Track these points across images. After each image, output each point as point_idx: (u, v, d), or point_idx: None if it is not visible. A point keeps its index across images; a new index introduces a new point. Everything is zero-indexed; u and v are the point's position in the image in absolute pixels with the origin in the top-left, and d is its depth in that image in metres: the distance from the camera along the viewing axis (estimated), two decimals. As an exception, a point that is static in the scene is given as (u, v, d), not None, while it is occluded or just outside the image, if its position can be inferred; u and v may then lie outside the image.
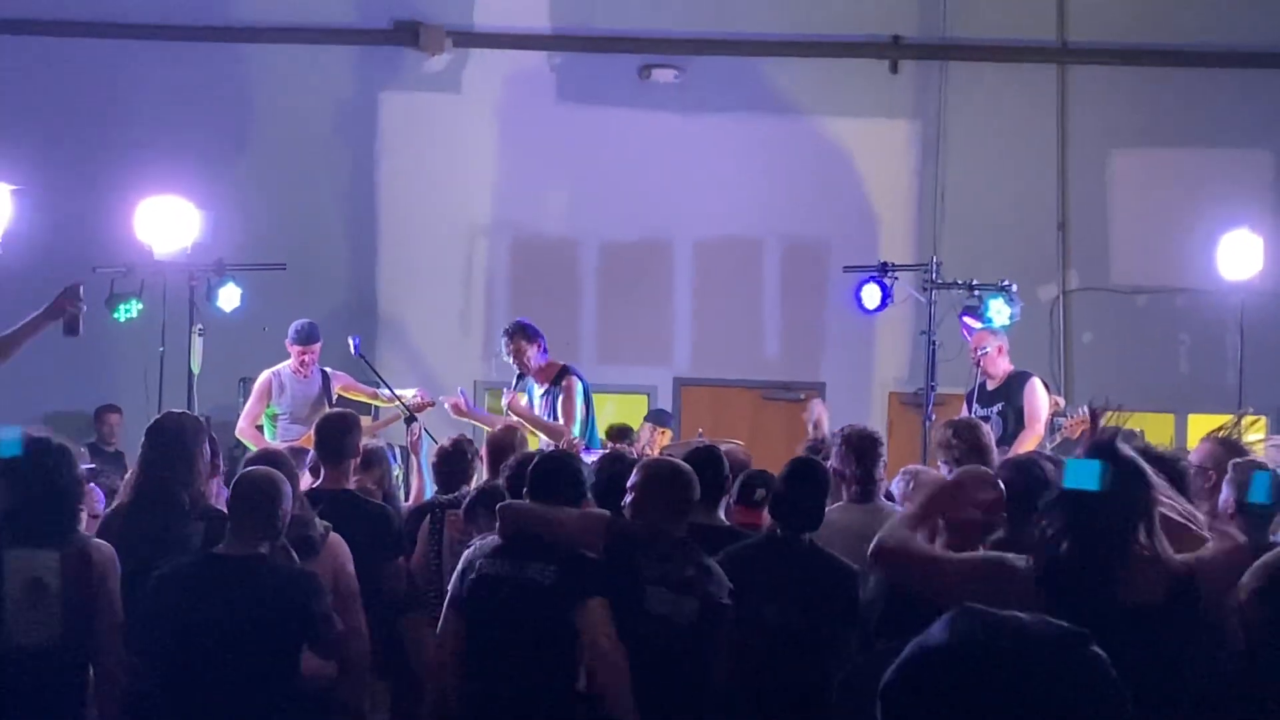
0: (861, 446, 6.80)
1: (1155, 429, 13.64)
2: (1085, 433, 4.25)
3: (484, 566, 5.65)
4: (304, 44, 14.22)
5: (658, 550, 5.62)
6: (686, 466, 5.89)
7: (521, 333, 10.86)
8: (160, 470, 6.26)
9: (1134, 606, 4.01)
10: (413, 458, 9.44)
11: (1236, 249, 12.25)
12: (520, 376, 10.85)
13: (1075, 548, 4.08)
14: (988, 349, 10.47)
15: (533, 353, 10.75)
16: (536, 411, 10.65)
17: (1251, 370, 12.19)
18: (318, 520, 6.40)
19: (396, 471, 9.08)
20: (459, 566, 5.87)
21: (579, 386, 10.75)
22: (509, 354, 10.80)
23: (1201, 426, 13.44)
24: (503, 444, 7.92)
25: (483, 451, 8.08)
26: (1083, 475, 4.04)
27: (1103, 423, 4.21)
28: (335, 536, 6.41)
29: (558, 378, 10.77)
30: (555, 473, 5.91)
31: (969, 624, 2.44)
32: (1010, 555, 4.18)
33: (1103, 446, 4.15)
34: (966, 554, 4.35)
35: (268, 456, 6.70)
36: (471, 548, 5.98)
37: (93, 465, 8.53)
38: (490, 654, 5.63)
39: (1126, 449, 4.19)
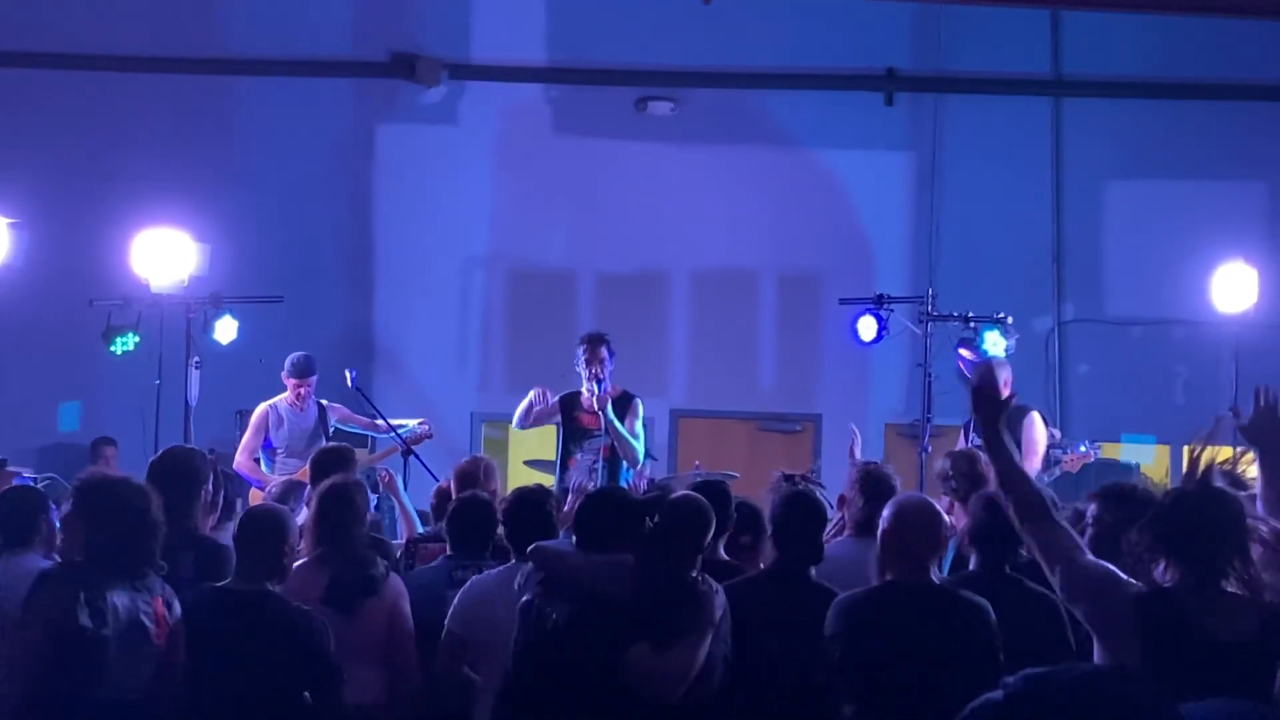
0: (876, 490, 6.84)
1: (1152, 460, 13.67)
2: (1188, 468, 4.33)
3: (531, 590, 5.56)
4: (301, 77, 14.25)
5: (679, 595, 5.49)
6: (707, 504, 5.79)
7: (608, 344, 10.49)
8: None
9: (1228, 642, 4.05)
10: (394, 500, 9.04)
11: (1231, 281, 12.28)
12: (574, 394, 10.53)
13: (1175, 582, 4.14)
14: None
15: (610, 369, 10.43)
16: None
17: (1246, 402, 12.17)
18: (380, 560, 6.39)
19: (374, 499, 8.97)
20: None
21: (642, 411, 10.60)
22: (590, 361, 10.34)
23: (1197, 458, 13.48)
24: (470, 474, 7.87)
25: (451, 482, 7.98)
26: None
27: (1202, 450, 4.28)
28: (394, 577, 6.41)
29: (624, 400, 10.49)
30: (602, 517, 5.67)
31: (1022, 683, 2.52)
32: (1126, 577, 4.20)
33: (1201, 475, 4.24)
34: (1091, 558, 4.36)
35: (346, 487, 6.60)
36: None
37: None
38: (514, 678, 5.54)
39: (1221, 480, 4.26)
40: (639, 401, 10.59)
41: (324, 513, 6.38)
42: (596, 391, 10.32)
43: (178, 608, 5.50)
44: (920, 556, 5.43)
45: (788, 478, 7.13)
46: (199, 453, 6.62)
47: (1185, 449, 4.37)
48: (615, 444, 10.27)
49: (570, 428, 10.55)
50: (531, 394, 10.60)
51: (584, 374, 10.39)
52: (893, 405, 14.06)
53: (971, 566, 5.96)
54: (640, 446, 10.41)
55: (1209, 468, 4.24)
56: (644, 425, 10.62)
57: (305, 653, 5.58)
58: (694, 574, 5.59)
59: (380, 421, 10.86)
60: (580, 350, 10.45)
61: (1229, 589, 4.14)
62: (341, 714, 5.70)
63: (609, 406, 10.25)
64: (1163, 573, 4.17)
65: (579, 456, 10.32)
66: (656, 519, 5.65)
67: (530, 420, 10.68)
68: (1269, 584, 4.22)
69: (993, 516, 5.81)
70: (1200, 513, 4.18)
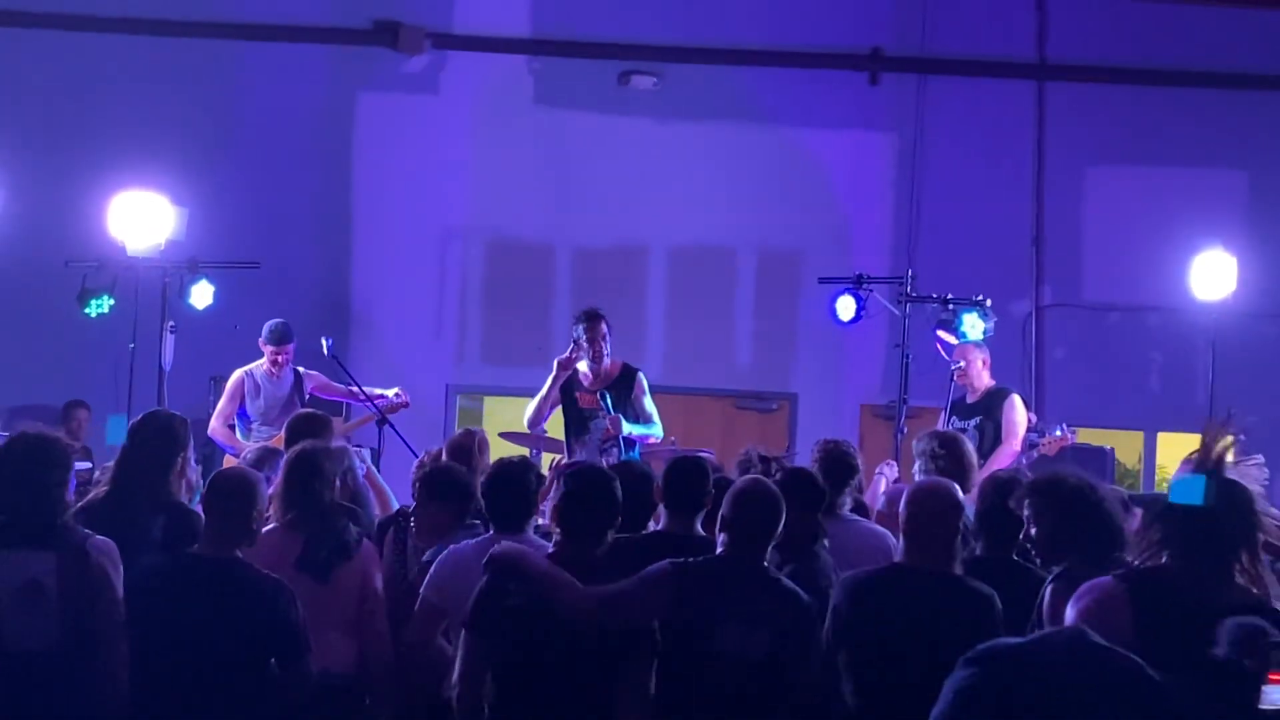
0: (834, 467, 6.81)
1: (1125, 446, 13.70)
2: (1195, 453, 4.20)
3: (517, 593, 5.31)
4: (282, 42, 14.14)
5: (736, 582, 5.32)
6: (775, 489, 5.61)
7: (606, 320, 10.15)
8: (139, 467, 6.24)
9: (1219, 613, 3.93)
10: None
11: (1209, 268, 12.27)
12: (558, 374, 10.13)
13: (1175, 561, 4.06)
14: (961, 363, 10.48)
15: (609, 345, 10.14)
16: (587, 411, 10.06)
17: (1222, 390, 12.23)
18: (353, 526, 6.39)
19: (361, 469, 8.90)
20: (480, 588, 5.45)
21: (647, 383, 10.26)
22: (590, 340, 10.03)
23: (1171, 444, 13.52)
24: (463, 447, 7.82)
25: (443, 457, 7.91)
26: (1188, 491, 4.03)
27: (1214, 439, 4.16)
28: (367, 543, 6.42)
29: (627, 376, 10.19)
30: (588, 500, 5.48)
31: (1061, 636, 2.51)
32: (1101, 580, 4.10)
33: (1211, 469, 4.12)
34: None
35: (314, 452, 6.55)
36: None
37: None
38: (522, 684, 5.34)
39: (1232, 471, 4.17)
40: (643, 376, 10.28)
41: (292, 478, 6.36)
42: (588, 370, 10.05)
43: (106, 556, 5.48)
44: (933, 543, 5.40)
45: (764, 459, 7.09)
46: (179, 418, 6.58)
47: (1201, 435, 4.22)
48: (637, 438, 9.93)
49: (571, 411, 10.22)
50: (545, 387, 10.15)
51: (584, 353, 10.10)
52: (869, 386, 14.07)
53: (978, 551, 5.92)
54: (658, 427, 10.13)
55: (1221, 457, 4.14)
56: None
57: (273, 621, 5.55)
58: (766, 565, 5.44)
59: (356, 390, 10.82)
60: (580, 328, 10.13)
61: (1240, 577, 4.06)
62: (308, 684, 5.68)
63: (622, 424, 9.85)
64: (1168, 562, 4.09)
65: (586, 439, 10.00)
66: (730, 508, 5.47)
67: (545, 418, 10.30)
68: (1271, 581, 4.13)
69: (1002, 501, 5.77)
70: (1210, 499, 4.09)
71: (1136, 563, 4.17)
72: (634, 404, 10.14)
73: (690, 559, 5.41)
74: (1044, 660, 2.56)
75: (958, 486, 5.85)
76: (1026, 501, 5.27)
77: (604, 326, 10.15)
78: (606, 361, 10.15)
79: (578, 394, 10.18)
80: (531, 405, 10.30)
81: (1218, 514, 4.07)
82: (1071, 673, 2.56)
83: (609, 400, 9.99)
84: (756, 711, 5.27)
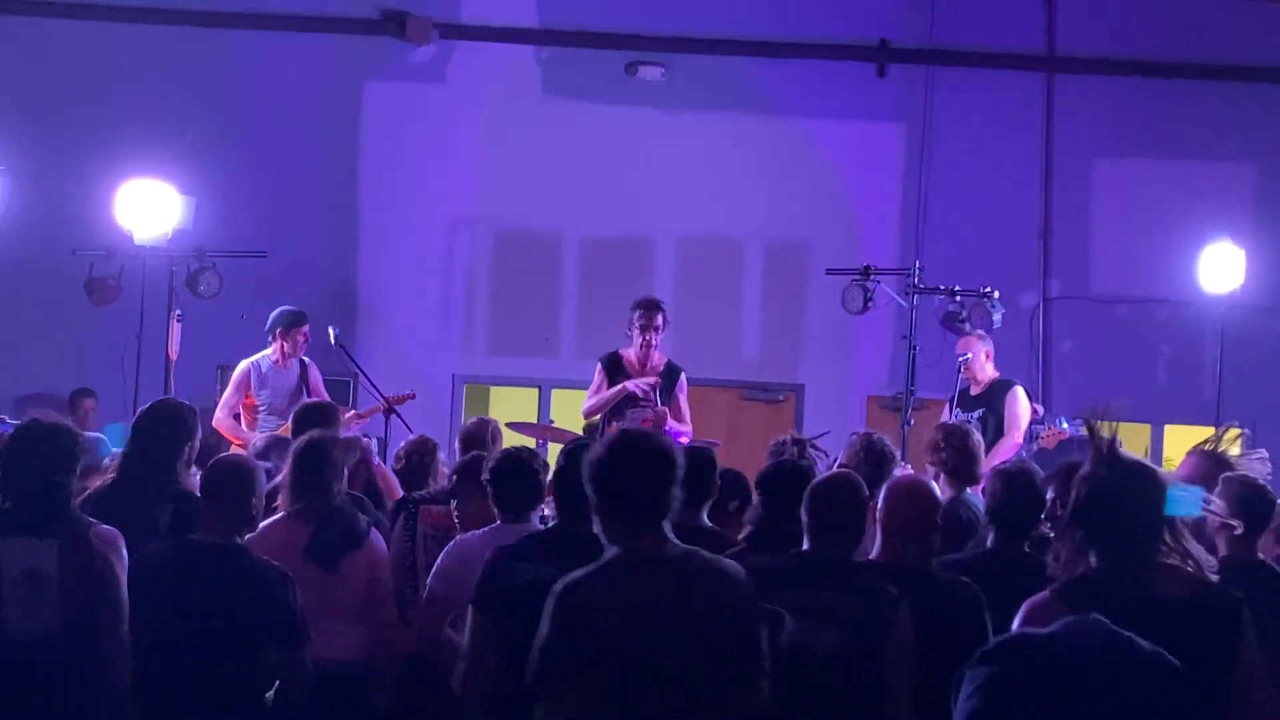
0: (878, 462, 6.82)
1: (1132, 439, 13.67)
2: (1088, 441, 4.13)
3: (536, 571, 5.18)
4: (290, 31, 14.14)
5: (802, 576, 5.14)
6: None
7: (664, 313, 10.17)
8: (145, 455, 6.25)
9: (1166, 600, 3.93)
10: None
11: (1218, 261, 12.27)
12: (609, 366, 10.18)
13: (1102, 561, 4.01)
14: (967, 355, 10.48)
15: (660, 338, 10.14)
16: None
17: (1229, 383, 12.23)
18: (361, 515, 6.40)
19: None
20: (487, 569, 5.45)
21: (686, 384, 10.32)
22: (643, 328, 10.08)
23: (1178, 437, 13.50)
24: (476, 437, 7.83)
25: (455, 445, 7.94)
26: (1184, 503, 4.01)
27: (1100, 430, 4.11)
28: (375, 533, 6.44)
29: (671, 372, 10.20)
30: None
31: (1080, 625, 2.50)
32: (1039, 598, 4.04)
33: (1107, 454, 4.07)
34: None
35: (323, 441, 6.54)
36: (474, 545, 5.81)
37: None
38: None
39: (1130, 453, 4.10)
40: (685, 375, 10.31)
41: (301, 467, 6.35)
42: (634, 359, 10.10)
43: (109, 545, 5.49)
44: (908, 540, 5.34)
45: (797, 441, 7.10)
46: (188, 407, 6.59)
47: (1085, 427, 4.19)
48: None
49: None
50: (609, 394, 10.12)
51: (636, 340, 10.14)
52: (876, 377, 14.06)
53: (989, 543, 5.89)
54: (689, 427, 10.16)
55: (1113, 441, 4.08)
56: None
57: (271, 608, 5.54)
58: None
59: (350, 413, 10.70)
60: (637, 314, 10.15)
61: (1169, 556, 4.03)
62: (306, 671, 5.66)
63: (668, 418, 9.91)
64: (1095, 562, 4.03)
65: (620, 425, 9.88)
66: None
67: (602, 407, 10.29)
68: (1200, 553, 4.10)
69: (1011, 492, 5.74)
70: (1118, 491, 4.03)
71: (1063, 571, 4.09)
72: (673, 401, 10.16)
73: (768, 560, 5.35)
74: (1067, 652, 2.56)
75: (934, 484, 5.84)
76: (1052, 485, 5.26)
77: (660, 318, 10.17)
78: (655, 353, 10.15)
79: (621, 380, 10.19)
80: (591, 401, 10.34)
81: (1130, 507, 4.01)
82: (1096, 664, 2.55)
83: (657, 392, 10.03)
84: (853, 709, 5.16)
